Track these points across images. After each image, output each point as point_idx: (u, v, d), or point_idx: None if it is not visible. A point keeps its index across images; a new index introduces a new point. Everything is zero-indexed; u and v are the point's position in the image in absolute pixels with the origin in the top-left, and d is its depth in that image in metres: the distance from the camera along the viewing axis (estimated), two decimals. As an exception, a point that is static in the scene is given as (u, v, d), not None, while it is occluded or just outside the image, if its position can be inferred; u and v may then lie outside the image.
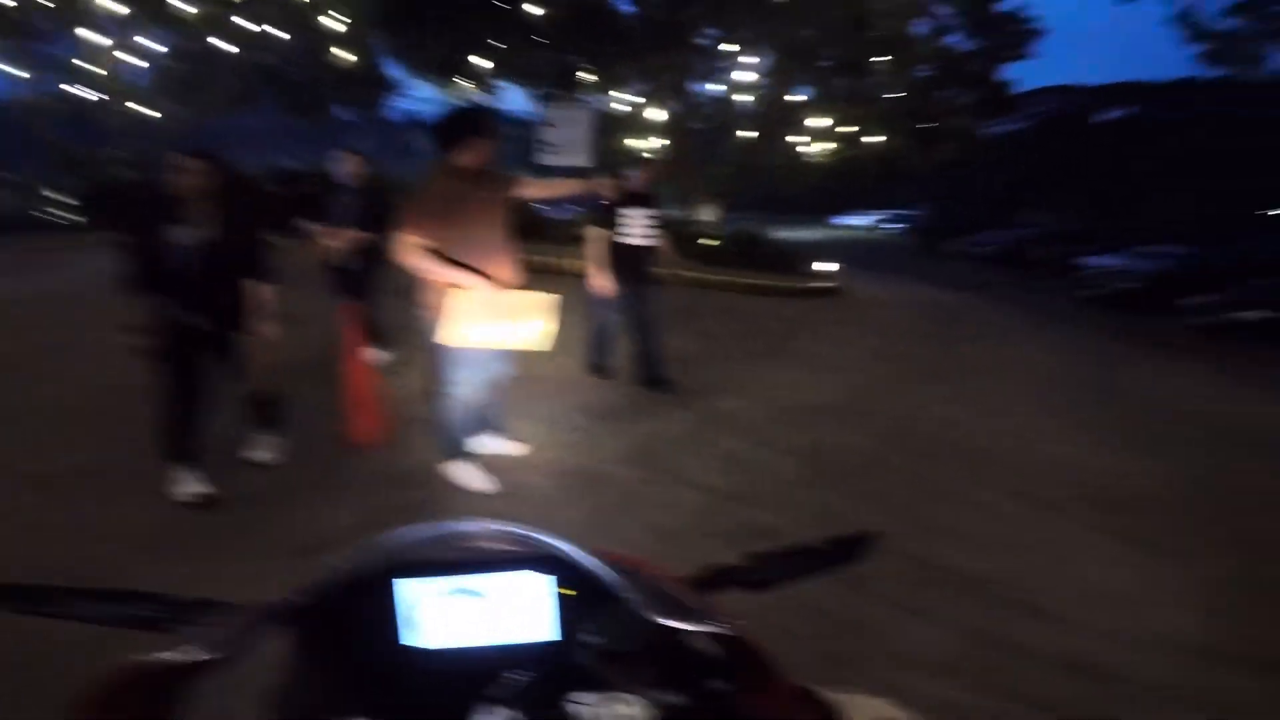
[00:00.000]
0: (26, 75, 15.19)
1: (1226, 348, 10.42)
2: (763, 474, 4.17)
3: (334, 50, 16.81)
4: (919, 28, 13.55)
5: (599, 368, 5.61)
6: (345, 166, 5.12)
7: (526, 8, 13.08)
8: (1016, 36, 14.71)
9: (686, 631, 0.69)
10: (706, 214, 15.37)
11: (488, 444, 3.94)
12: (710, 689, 0.69)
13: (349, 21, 15.72)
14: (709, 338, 7.24)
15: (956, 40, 14.61)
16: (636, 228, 5.10)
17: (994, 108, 15.03)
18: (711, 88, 17.10)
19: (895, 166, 16.40)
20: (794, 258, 12.64)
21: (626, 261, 5.09)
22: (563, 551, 0.73)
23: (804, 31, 13.00)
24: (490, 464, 3.82)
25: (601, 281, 5.10)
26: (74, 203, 14.73)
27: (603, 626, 0.73)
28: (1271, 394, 7.33)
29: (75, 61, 15.54)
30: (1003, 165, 29.37)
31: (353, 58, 17.06)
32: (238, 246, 3.26)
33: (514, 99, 16.04)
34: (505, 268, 3.36)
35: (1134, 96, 33.67)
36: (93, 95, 15.78)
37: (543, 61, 14.37)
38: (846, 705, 0.67)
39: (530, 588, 0.74)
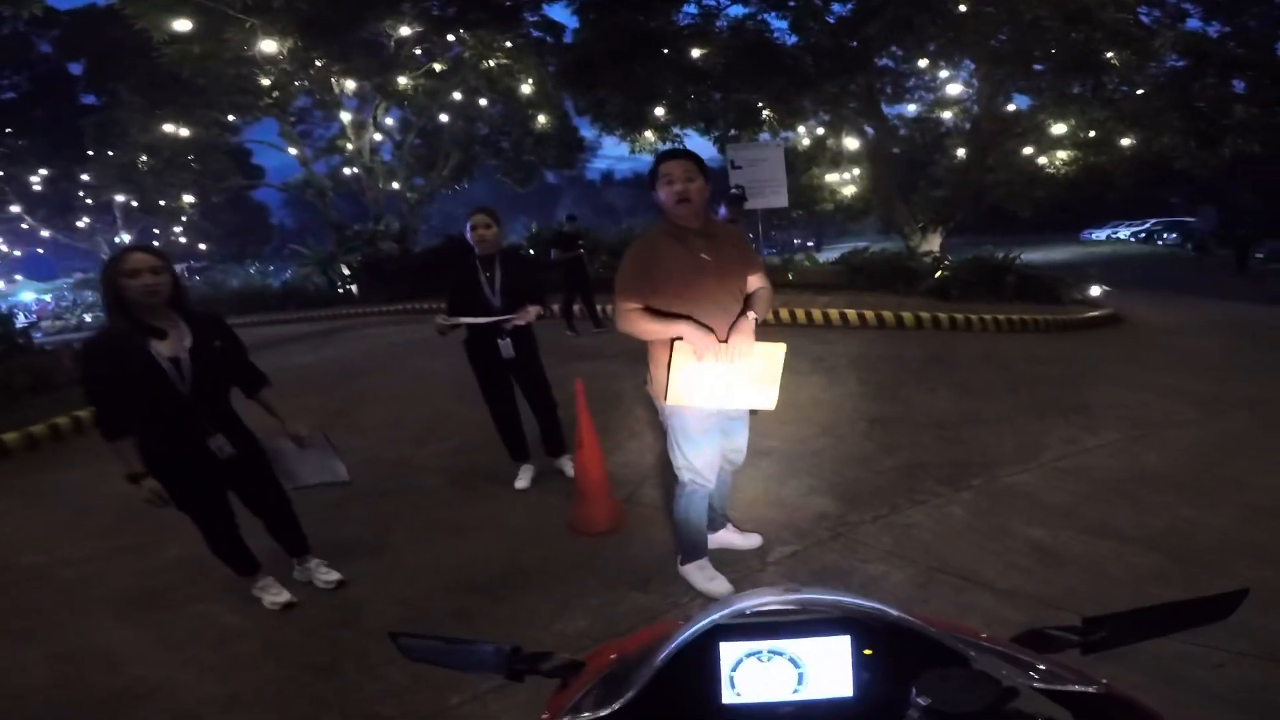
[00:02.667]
0: (296, 152, 17.99)
1: None
2: (1087, 571, 3.06)
3: (532, 114, 17.97)
4: (1147, 16, 11.24)
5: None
6: (477, 231, 3.83)
7: (691, 52, 12.94)
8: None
9: (1023, 692, 0.68)
10: (927, 243, 13.91)
11: (718, 537, 3.36)
12: None
13: (535, 86, 16.75)
14: (969, 392, 6.08)
15: (1197, 25, 11.96)
16: None
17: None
18: (910, 107, 15.80)
19: (1161, 170, 13.73)
20: (1051, 283, 10.89)
21: None
22: (873, 611, 0.80)
23: (1004, 35, 11.34)
24: (723, 559, 3.25)
25: None
26: (348, 274, 17.05)
27: (932, 685, 0.70)
28: None
29: (339, 142, 18.24)
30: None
31: (546, 120, 18.15)
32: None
33: (699, 146, 16.02)
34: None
35: None
36: (354, 172, 18.30)
37: (717, 104, 14.12)
38: None
39: (830, 649, 0.83)
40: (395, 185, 18.85)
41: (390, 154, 19.39)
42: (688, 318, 2.59)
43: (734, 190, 5.67)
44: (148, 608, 3.32)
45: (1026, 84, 12.82)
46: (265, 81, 15.29)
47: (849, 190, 15.68)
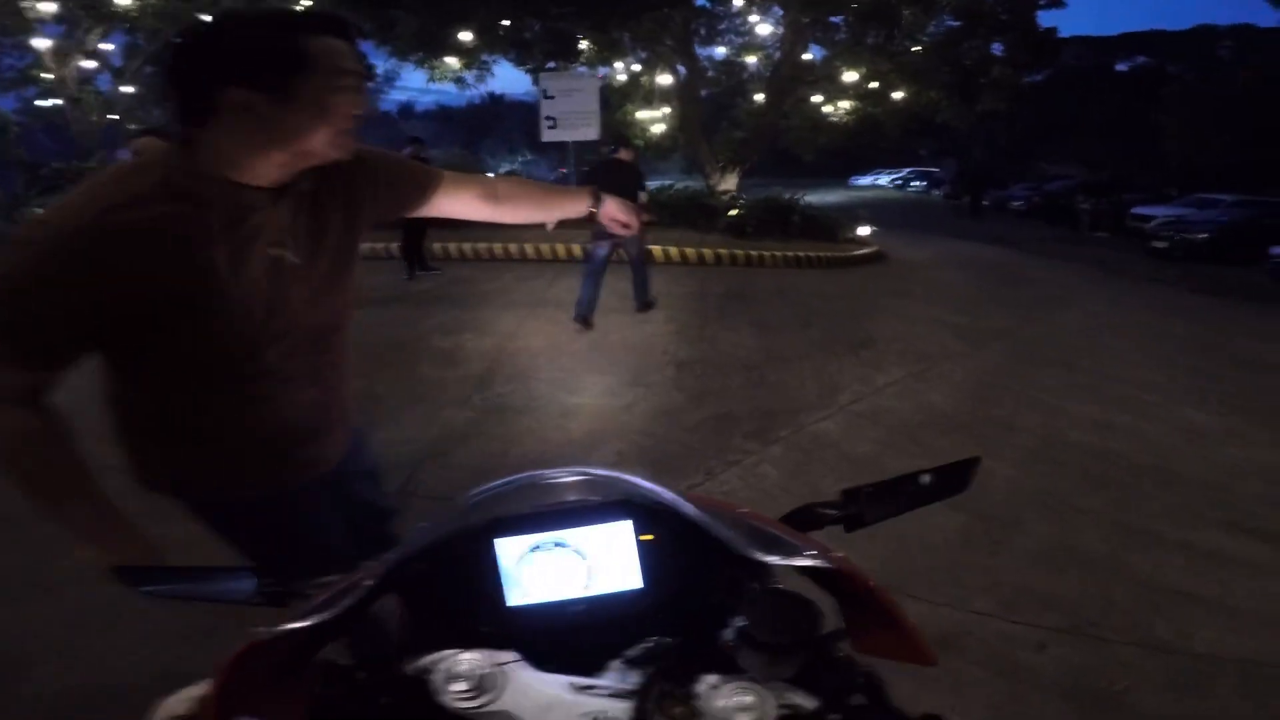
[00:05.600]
0: None
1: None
2: (899, 538, 2.74)
3: None
4: None
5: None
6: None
7: None
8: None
9: (784, 576, 0.67)
10: (725, 182, 13.95)
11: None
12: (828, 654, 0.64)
13: (311, 3, 13.91)
14: (768, 329, 5.90)
15: None
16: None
17: (1036, 56, 13.22)
18: (719, 50, 15.65)
19: (925, 122, 14.79)
20: (829, 223, 11.41)
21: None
22: (648, 493, 0.70)
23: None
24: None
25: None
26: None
27: (753, 609, 0.63)
28: None
29: (33, 72, 14.18)
30: (1021, 117, 27.64)
31: None
32: None
33: (513, 77, 14.46)
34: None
35: (1151, 45, 31.96)
36: (52, 104, 14.32)
37: (535, 33, 12.75)
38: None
39: (614, 537, 0.71)
40: (113, 117, 15.06)
41: (109, 83, 15.38)
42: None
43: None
44: None
45: (824, 35, 12.95)
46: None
47: (658, 128, 15.21)
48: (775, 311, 6.67)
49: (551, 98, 11.31)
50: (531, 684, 0.62)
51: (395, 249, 7.73)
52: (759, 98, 14.73)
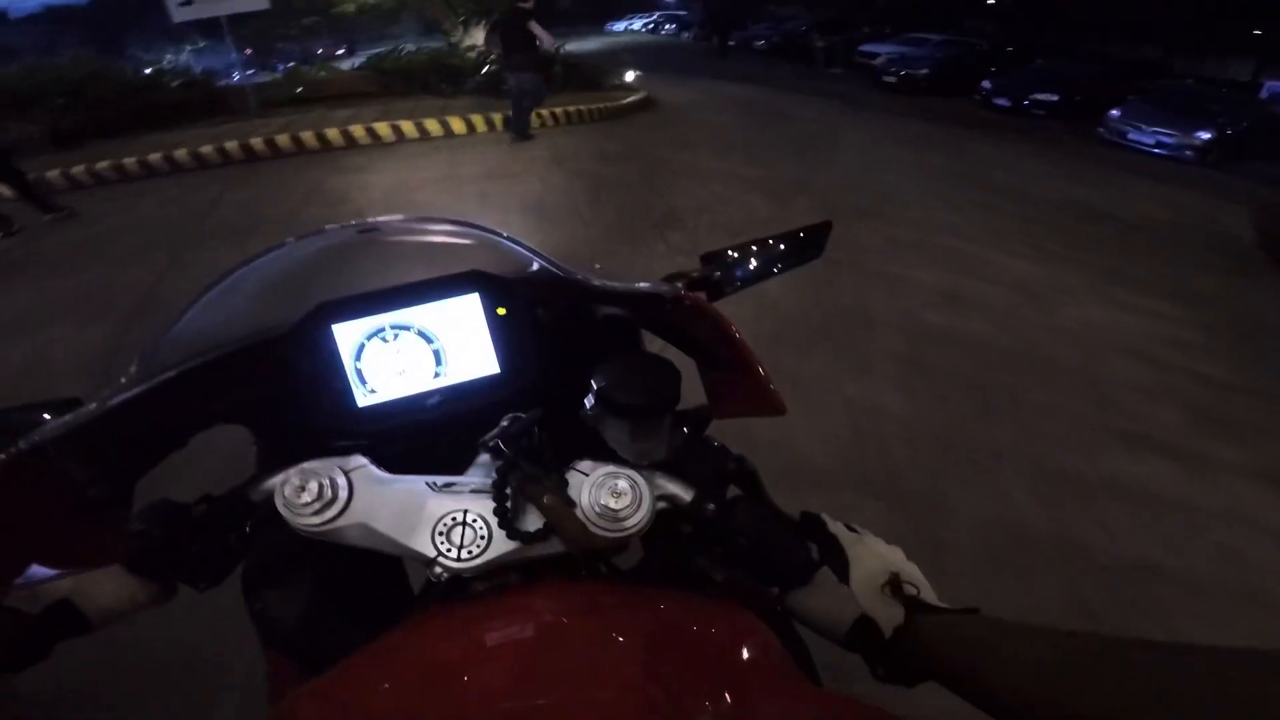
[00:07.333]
0: None
1: (1030, 126, 10.10)
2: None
3: None
4: None
5: None
6: None
7: None
8: None
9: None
10: (471, 38, 11.37)
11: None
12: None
13: None
14: (551, 218, 4.34)
15: None
16: None
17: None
18: None
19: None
20: (594, 72, 9.79)
21: None
22: (494, 248, 0.60)
23: None
24: None
25: None
26: None
27: (552, 345, 0.58)
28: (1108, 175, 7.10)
29: None
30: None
31: None
32: None
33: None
34: None
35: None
36: None
37: None
38: None
39: (462, 313, 0.57)
40: None
41: None
42: None
43: None
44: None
45: None
46: None
47: (374, -10, 11.73)
48: (554, 189, 5.10)
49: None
50: (383, 488, 0.49)
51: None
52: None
